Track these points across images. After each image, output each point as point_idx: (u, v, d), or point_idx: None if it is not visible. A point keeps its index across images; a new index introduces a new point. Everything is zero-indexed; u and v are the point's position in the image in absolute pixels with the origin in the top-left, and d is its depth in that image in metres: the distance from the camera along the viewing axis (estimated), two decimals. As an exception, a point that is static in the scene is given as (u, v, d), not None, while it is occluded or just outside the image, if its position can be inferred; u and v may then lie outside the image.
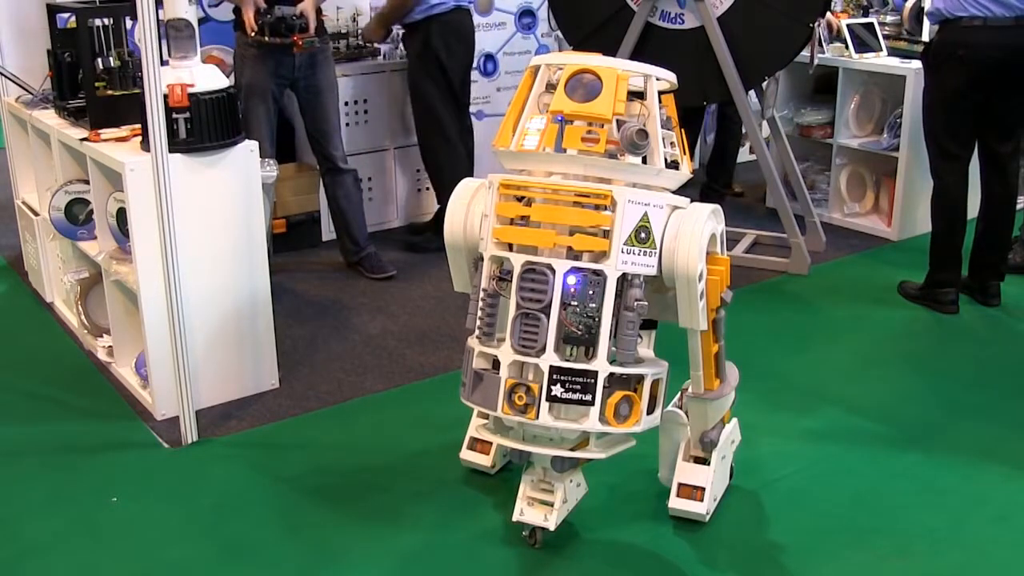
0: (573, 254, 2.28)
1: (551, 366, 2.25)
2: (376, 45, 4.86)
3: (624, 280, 2.27)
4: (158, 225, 2.89)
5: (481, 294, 2.36)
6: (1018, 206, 4.87)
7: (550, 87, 2.39)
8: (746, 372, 3.51)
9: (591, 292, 2.24)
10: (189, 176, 3.05)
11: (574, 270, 2.25)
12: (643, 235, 2.26)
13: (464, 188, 2.51)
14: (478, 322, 2.38)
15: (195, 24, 3.12)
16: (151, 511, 2.74)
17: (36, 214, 4.01)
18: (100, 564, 2.52)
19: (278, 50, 4.01)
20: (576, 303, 2.25)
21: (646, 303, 2.28)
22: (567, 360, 2.28)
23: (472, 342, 2.40)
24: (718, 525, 2.64)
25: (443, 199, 4.66)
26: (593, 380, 2.25)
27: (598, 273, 2.24)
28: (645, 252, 2.26)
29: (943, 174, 4.01)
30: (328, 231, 4.77)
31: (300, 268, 4.54)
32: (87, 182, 3.39)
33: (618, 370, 2.28)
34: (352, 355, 3.66)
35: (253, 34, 3.96)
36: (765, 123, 4.64)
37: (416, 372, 3.54)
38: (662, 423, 2.58)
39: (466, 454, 2.88)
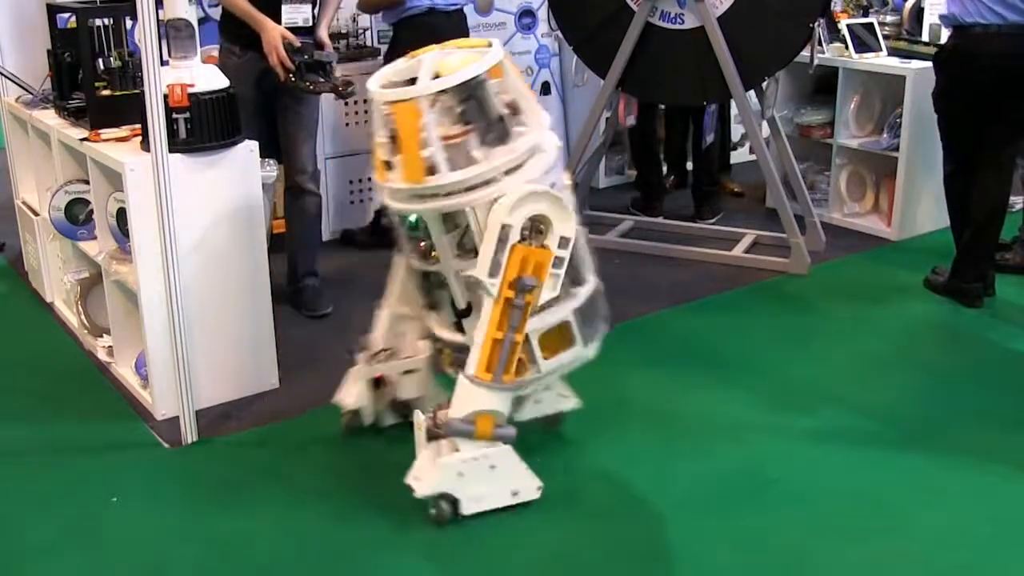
0: None
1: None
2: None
3: None
4: (158, 225, 2.89)
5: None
6: (1017, 207, 4.89)
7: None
8: (746, 372, 3.53)
9: None
10: (189, 176, 3.05)
11: None
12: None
13: None
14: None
15: (195, 24, 3.12)
16: (151, 511, 2.74)
17: (36, 214, 4.01)
18: (100, 564, 2.52)
19: (261, 60, 3.71)
20: None
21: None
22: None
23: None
24: (717, 524, 2.64)
25: None
26: None
27: None
28: None
29: (969, 174, 3.98)
30: (328, 231, 4.77)
31: (300, 268, 4.52)
32: (87, 182, 3.39)
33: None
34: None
35: (292, 79, 3.64)
36: (765, 123, 4.64)
37: (416, 372, 3.53)
38: None
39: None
